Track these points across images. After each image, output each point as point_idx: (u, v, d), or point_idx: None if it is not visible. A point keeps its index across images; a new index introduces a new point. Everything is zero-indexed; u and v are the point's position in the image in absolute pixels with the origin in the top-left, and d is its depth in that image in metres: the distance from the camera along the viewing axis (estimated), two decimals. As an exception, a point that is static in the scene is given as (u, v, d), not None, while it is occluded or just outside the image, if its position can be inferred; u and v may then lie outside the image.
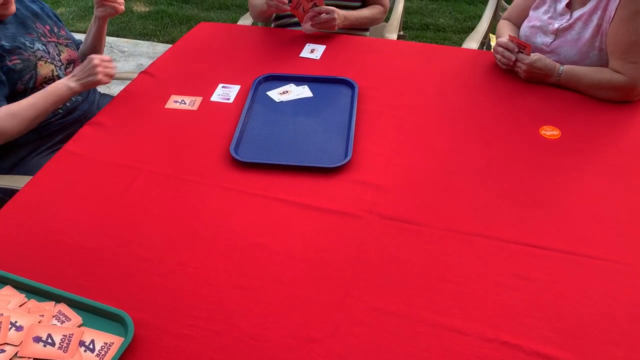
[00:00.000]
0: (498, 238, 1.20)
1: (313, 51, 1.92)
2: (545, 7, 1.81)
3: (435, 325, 1.03)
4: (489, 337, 1.00)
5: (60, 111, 1.69)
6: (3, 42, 1.57)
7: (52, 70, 1.67)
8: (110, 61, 1.61)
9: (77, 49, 1.87)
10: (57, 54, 1.72)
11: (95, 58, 1.57)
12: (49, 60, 1.67)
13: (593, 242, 1.19)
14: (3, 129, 1.48)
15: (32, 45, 1.64)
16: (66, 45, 1.79)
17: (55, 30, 1.77)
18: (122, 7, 1.79)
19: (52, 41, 1.73)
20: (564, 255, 1.16)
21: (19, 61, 1.58)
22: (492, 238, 1.20)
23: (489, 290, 1.09)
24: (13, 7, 1.60)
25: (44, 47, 1.68)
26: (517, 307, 1.05)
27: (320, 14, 1.92)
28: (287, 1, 1.89)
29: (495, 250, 1.17)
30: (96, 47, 1.89)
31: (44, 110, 1.54)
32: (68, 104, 1.70)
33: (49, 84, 1.61)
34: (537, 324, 1.02)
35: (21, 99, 1.53)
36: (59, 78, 1.68)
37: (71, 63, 1.80)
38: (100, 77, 1.56)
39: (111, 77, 1.61)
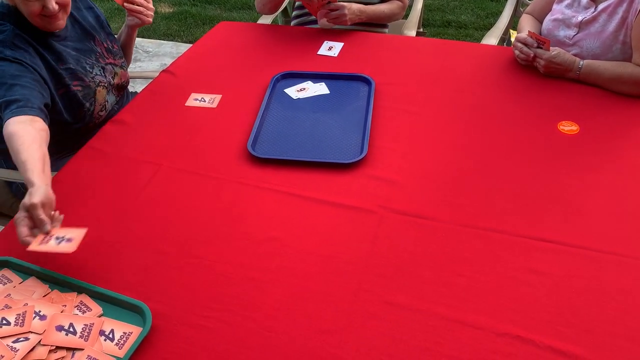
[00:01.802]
0: (512, 233, 1.19)
1: (331, 48, 1.93)
2: (569, 1, 1.79)
3: (448, 320, 1.03)
4: (502, 332, 1.00)
5: (102, 114, 1.67)
6: (70, 64, 1.55)
7: (105, 96, 1.67)
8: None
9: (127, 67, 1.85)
10: (112, 78, 1.72)
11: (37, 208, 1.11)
12: (104, 86, 1.66)
13: (609, 237, 1.18)
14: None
15: (91, 70, 1.63)
16: (121, 67, 1.77)
17: (110, 46, 1.75)
18: (150, 19, 1.77)
19: (110, 63, 1.71)
20: (579, 251, 1.15)
21: (80, 88, 1.58)
22: (507, 233, 1.19)
23: (502, 285, 1.09)
24: (62, 22, 1.51)
25: (102, 71, 1.67)
26: (531, 302, 1.05)
27: (331, 10, 1.94)
28: None
29: (510, 245, 1.17)
30: (126, 51, 1.91)
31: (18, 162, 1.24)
32: (102, 113, 1.67)
33: (104, 110, 1.63)
34: (551, 319, 1.02)
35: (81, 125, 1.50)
36: (108, 103, 1.68)
37: (123, 88, 1.79)
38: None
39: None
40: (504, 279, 1.10)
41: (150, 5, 1.78)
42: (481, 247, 1.17)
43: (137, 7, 1.75)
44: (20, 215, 1.12)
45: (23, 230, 1.10)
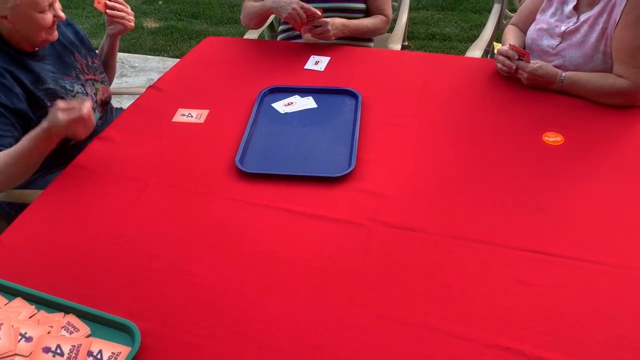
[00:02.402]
0: (501, 244, 1.20)
1: (317, 63, 1.94)
2: (552, 10, 1.82)
3: (439, 332, 1.03)
4: (493, 343, 1.00)
5: None
6: (49, 84, 1.54)
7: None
8: (75, 108, 1.29)
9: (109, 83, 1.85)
10: (94, 94, 1.71)
11: (59, 103, 1.29)
12: None
13: (597, 247, 1.19)
14: None
15: (72, 89, 1.63)
16: (102, 82, 1.77)
17: (91, 62, 1.75)
18: (132, 23, 1.79)
19: (90, 79, 1.71)
20: (568, 261, 1.16)
21: None
22: (496, 244, 1.20)
23: (492, 296, 1.09)
24: (56, 34, 1.55)
25: (82, 87, 1.66)
26: (521, 313, 1.06)
27: (315, 26, 1.96)
28: (317, 13, 1.92)
29: (499, 256, 1.18)
30: (109, 63, 1.91)
31: (30, 163, 1.38)
32: None
33: None
34: (541, 330, 1.02)
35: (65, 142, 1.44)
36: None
37: (106, 104, 1.79)
38: (64, 126, 1.29)
39: (82, 124, 1.30)
40: (494, 290, 1.11)
41: (130, 10, 1.79)
42: (470, 259, 1.17)
43: (118, 12, 1.75)
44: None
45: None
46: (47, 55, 1.61)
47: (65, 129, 1.30)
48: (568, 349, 0.99)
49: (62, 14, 1.51)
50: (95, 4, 1.71)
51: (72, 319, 1.06)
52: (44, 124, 1.32)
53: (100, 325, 1.06)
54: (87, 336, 1.03)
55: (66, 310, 1.08)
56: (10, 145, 1.39)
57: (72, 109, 1.28)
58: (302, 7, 1.91)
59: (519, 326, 1.03)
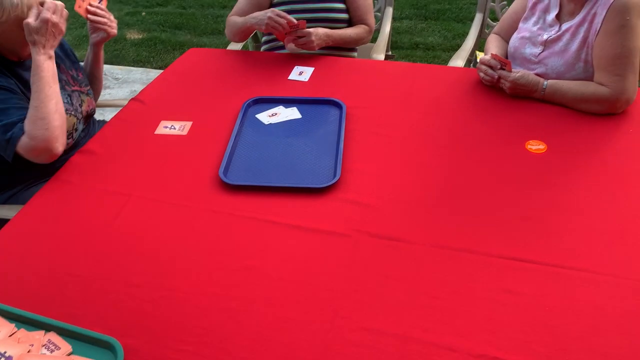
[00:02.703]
0: (486, 253, 1.20)
1: (301, 73, 1.94)
2: (534, 19, 1.84)
3: (425, 343, 1.03)
4: (479, 353, 1.00)
5: (69, 141, 1.64)
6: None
7: (74, 123, 1.64)
8: (58, 7, 1.47)
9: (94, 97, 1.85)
10: (79, 105, 1.70)
11: (46, 12, 1.43)
12: (72, 113, 1.63)
13: (580, 255, 1.19)
14: (44, 139, 1.43)
15: None
16: (87, 94, 1.76)
17: (75, 74, 1.74)
18: (115, 30, 1.78)
19: (76, 90, 1.70)
20: (552, 269, 1.16)
21: None
22: (480, 253, 1.20)
23: (477, 306, 1.09)
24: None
25: (69, 98, 1.65)
26: (506, 322, 1.06)
27: (299, 37, 1.97)
28: (295, 23, 1.93)
29: (484, 265, 1.18)
30: (95, 74, 1.89)
31: (54, 94, 1.46)
32: (69, 141, 1.63)
33: (71, 137, 1.61)
34: (526, 339, 1.02)
35: None
36: (77, 131, 1.66)
37: (90, 116, 1.78)
38: (60, 27, 1.47)
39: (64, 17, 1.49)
40: (479, 299, 1.10)
41: (112, 17, 1.79)
42: (455, 268, 1.17)
43: (100, 18, 1.74)
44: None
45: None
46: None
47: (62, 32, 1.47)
48: (554, 357, 0.99)
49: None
50: (76, 8, 1.69)
51: (53, 336, 1.04)
52: (40, 56, 1.44)
53: (82, 342, 1.03)
54: (69, 354, 1.01)
55: (47, 328, 1.06)
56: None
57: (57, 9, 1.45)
58: (279, 15, 1.92)
59: (504, 335, 1.03)
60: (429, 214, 1.32)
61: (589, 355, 0.99)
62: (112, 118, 1.75)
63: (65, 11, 1.50)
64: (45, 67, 1.45)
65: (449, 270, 1.17)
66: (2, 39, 1.46)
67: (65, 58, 1.72)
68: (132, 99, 1.84)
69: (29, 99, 1.51)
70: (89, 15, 1.73)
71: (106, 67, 3.81)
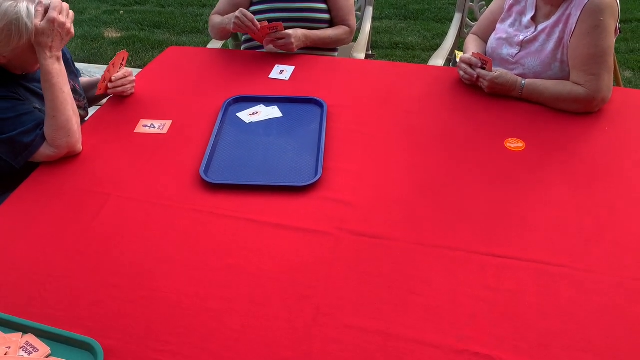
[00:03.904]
0: (466, 250, 1.22)
1: (282, 72, 1.94)
2: (511, 20, 1.86)
3: (407, 340, 1.03)
4: (461, 349, 1.01)
5: None
6: (36, 104, 1.54)
7: None
8: (64, 7, 1.45)
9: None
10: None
11: (52, 12, 1.41)
12: None
13: (559, 251, 1.21)
14: (68, 145, 1.47)
15: None
16: (84, 109, 1.75)
17: (73, 85, 1.71)
18: (132, 90, 1.81)
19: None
20: (531, 265, 1.18)
21: None
22: (461, 250, 1.22)
23: (459, 303, 1.10)
24: None
25: None
26: (487, 318, 1.07)
27: (278, 38, 1.98)
28: (257, 25, 1.93)
29: (464, 262, 1.19)
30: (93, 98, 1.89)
31: (68, 98, 1.47)
32: None
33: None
34: (507, 334, 1.04)
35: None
36: None
37: None
38: (68, 28, 1.45)
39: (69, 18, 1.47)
40: (460, 296, 1.11)
41: (132, 77, 1.80)
42: (436, 265, 1.18)
43: (120, 88, 1.76)
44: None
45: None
46: (38, 78, 1.57)
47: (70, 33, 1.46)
48: (534, 352, 1.01)
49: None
50: (97, 93, 1.75)
51: (31, 338, 1.02)
52: (47, 59, 1.43)
53: (61, 344, 1.02)
54: (48, 356, 1.00)
55: (24, 329, 1.04)
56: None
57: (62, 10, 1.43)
58: (245, 15, 1.93)
59: (486, 331, 1.04)
60: (409, 212, 1.33)
61: (568, 350, 1.01)
62: (90, 117, 1.73)
63: (72, 12, 1.49)
64: (55, 72, 1.45)
65: (430, 267, 1.18)
66: (15, 59, 1.46)
67: (66, 68, 1.69)
68: (111, 97, 1.81)
69: (35, 107, 1.51)
70: (109, 91, 1.75)
71: (83, 66, 3.76)
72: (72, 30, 1.48)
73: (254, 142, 1.58)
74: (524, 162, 1.48)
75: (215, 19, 2.12)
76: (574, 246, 1.22)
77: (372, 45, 3.79)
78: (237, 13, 1.94)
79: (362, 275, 1.16)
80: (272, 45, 2.01)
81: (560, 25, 1.71)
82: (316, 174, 1.43)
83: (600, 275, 1.15)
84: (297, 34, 1.99)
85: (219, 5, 2.16)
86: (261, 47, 2.17)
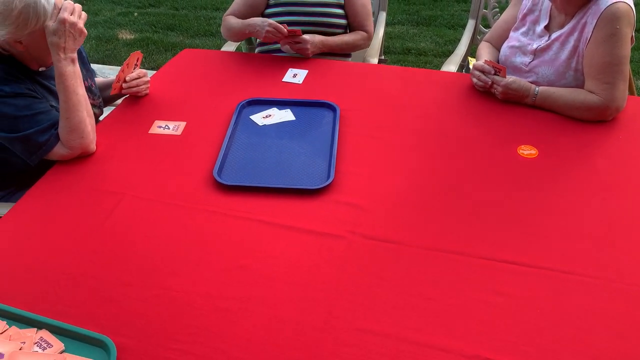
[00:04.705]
0: (477, 255, 1.21)
1: (295, 76, 1.95)
2: (524, 29, 1.86)
3: (418, 344, 1.03)
4: (471, 354, 1.01)
5: None
6: (52, 102, 1.54)
7: None
8: (76, 8, 1.45)
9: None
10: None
11: (63, 12, 1.41)
12: None
13: (570, 258, 1.21)
14: (81, 146, 1.49)
15: None
16: (98, 107, 1.76)
17: (89, 84, 1.74)
18: (147, 91, 1.83)
19: (90, 102, 1.66)
20: (543, 272, 1.17)
21: None
22: (472, 256, 1.22)
23: (469, 308, 1.10)
24: None
25: None
26: (498, 324, 1.07)
27: (295, 42, 2.00)
28: (285, 33, 1.95)
29: (475, 267, 1.19)
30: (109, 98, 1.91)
31: (81, 100, 1.48)
32: None
33: None
34: (518, 340, 1.04)
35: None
36: None
37: None
38: (80, 28, 1.45)
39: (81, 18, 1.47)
40: (470, 301, 1.11)
41: (146, 78, 1.81)
42: (448, 270, 1.18)
43: (135, 88, 1.77)
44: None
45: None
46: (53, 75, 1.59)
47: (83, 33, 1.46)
48: (544, 359, 1.00)
49: None
50: (112, 93, 1.76)
51: (45, 334, 1.04)
52: (61, 61, 1.43)
53: (75, 340, 1.03)
54: (61, 352, 1.01)
55: (39, 325, 1.05)
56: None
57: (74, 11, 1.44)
58: (276, 28, 1.94)
59: (496, 337, 1.04)
60: (421, 217, 1.33)
61: (578, 358, 1.01)
62: (105, 117, 1.75)
63: (84, 13, 1.49)
64: (68, 74, 1.45)
65: (441, 272, 1.18)
66: (31, 47, 1.45)
67: (81, 66, 1.69)
68: (126, 98, 1.83)
69: (52, 105, 1.52)
70: (123, 91, 1.77)
71: (98, 67, 3.79)
72: (85, 30, 1.48)
73: (267, 145, 1.59)
74: (537, 170, 1.48)
75: (231, 20, 2.13)
76: (586, 254, 1.22)
77: (385, 50, 3.79)
78: (267, 26, 1.95)
79: (373, 278, 1.17)
80: (288, 47, 2.03)
81: (575, 34, 1.71)
82: (328, 177, 1.43)
83: (612, 283, 1.15)
84: (314, 40, 2.01)
85: (234, 6, 2.17)
86: (275, 50, 2.19)
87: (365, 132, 1.64)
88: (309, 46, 2.00)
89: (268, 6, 2.13)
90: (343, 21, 2.15)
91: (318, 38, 2.03)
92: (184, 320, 1.08)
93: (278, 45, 2.11)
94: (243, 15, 2.11)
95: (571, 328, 1.06)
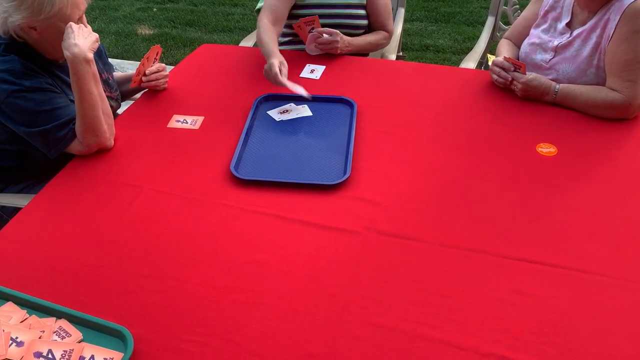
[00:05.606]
0: (495, 254, 1.21)
1: (313, 71, 1.95)
2: (545, 26, 1.84)
3: (433, 340, 1.03)
4: (487, 352, 1.00)
5: None
6: (70, 95, 1.55)
7: None
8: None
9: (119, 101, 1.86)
10: None
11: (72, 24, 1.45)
12: None
13: (590, 257, 1.19)
14: (97, 144, 1.51)
15: None
16: (116, 100, 1.78)
17: (107, 77, 1.75)
18: (165, 85, 1.85)
19: (107, 95, 1.66)
20: (561, 271, 1.16)
21: None
22: (490, 254, 1.21)
23: (486, 305, 1.09)
24: None
25: None
26: (515, 322, 1.06)
27: (324, 43, 1.98)
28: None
29: (493, 265, 1.18)
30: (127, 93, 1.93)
31: (96, 99, 1.47)
32: None
33: None
34: (535, 339, 1.03)
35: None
36: None
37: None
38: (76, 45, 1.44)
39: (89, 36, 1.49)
40: (488, 299, 1.11)
41: (165, 72, 1.82)
42: (465, 268, 1.18)
43: (153, 82, 1.79)
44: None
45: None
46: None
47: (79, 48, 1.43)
48: (561, 358, 0.99)
49: (88, 28, 1.52)
50: (132, 86, 1.78)
51: (64, 324, 1.05)
52: (78, 58, 1.43)
53: (93, 330, 1.04)
54: (79, 341, 1.02)
55: (58, 315, 1.07)
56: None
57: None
58: (276, 74, 1.74)
59: (513, 335, 1.03)
60: (438, 214, 1.32)
61: (596, 357, 0.99)
62: (124, 111, 1.77)
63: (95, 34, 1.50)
64: (82, 74, 1.45)
65: (458, 269, 1.17)
66: (47, 35, 1.46)
67: (98, 59, 1.71)
68: (145, 92, 1.85)
69: (71, 100, 1.53)
70: (143, 84, 1.78)
71: (117, 62, 3.83)
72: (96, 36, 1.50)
73: (284, 140, 1.60)
74: (556, 168, 1.46)
75: (265, 26, 1.97)
76: (605, 253, 1.20)
77: (403, 47, 3.78)
78: (277, 77, 1.73)
79: (389, 274, 1.17)
80: (313, 47, 2.02)
81: (598, 30, 1.68)
82: (345, 172, 1.43)
83: (632, 283, 1.13)
84: (343, 38, 2.01)
85: (268, 1, 2.05)
86: (292, 44, 2.18)
87: (382, 129, 1.64)
88: (338, 38, 1.99)
89: (296, 6, 2.10)
90: (365, 22, 2.14)
91: (345, 38, 2.03)
92: (200, 312, 1.09)
93: (300, 46, 2.11)
94: (277, 8, 2.02)
95: (590, 328, 1.05)
